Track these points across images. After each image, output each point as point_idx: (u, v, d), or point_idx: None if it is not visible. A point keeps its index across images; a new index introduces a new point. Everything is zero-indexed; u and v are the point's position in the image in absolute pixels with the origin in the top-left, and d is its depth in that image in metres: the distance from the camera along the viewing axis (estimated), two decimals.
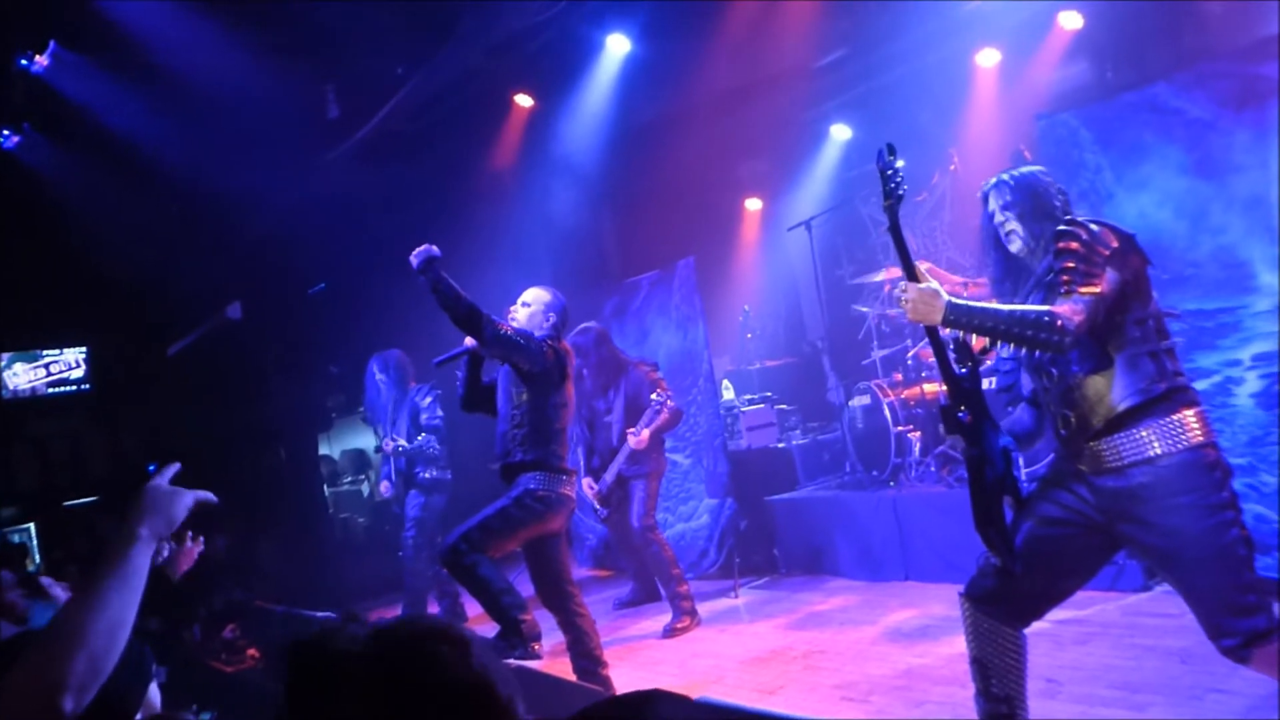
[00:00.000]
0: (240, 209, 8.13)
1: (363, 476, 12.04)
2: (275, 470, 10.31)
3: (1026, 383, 2.88)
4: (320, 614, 4.58)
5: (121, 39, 6.35)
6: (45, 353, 10.29)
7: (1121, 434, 2.52)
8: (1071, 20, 6.47)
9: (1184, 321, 4.42)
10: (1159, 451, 2.47)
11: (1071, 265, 2.51)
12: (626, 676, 4.72)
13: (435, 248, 4.09)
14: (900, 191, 2.67)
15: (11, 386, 10.10)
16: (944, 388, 2.73)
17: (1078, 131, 4.97)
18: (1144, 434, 2.50)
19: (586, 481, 5.96)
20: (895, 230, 2.68)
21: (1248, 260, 4.37)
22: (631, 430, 5.78)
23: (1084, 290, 2.48)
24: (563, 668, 4.36)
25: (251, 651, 5.43)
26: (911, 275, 2.65)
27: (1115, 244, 2.53)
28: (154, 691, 1.67)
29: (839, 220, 8.24)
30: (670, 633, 5.58)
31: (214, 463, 8.82)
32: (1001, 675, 2.74)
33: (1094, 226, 2.56)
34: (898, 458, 6.18)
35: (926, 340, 2.88)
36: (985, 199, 2.80)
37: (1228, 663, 2.46)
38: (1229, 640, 2.41)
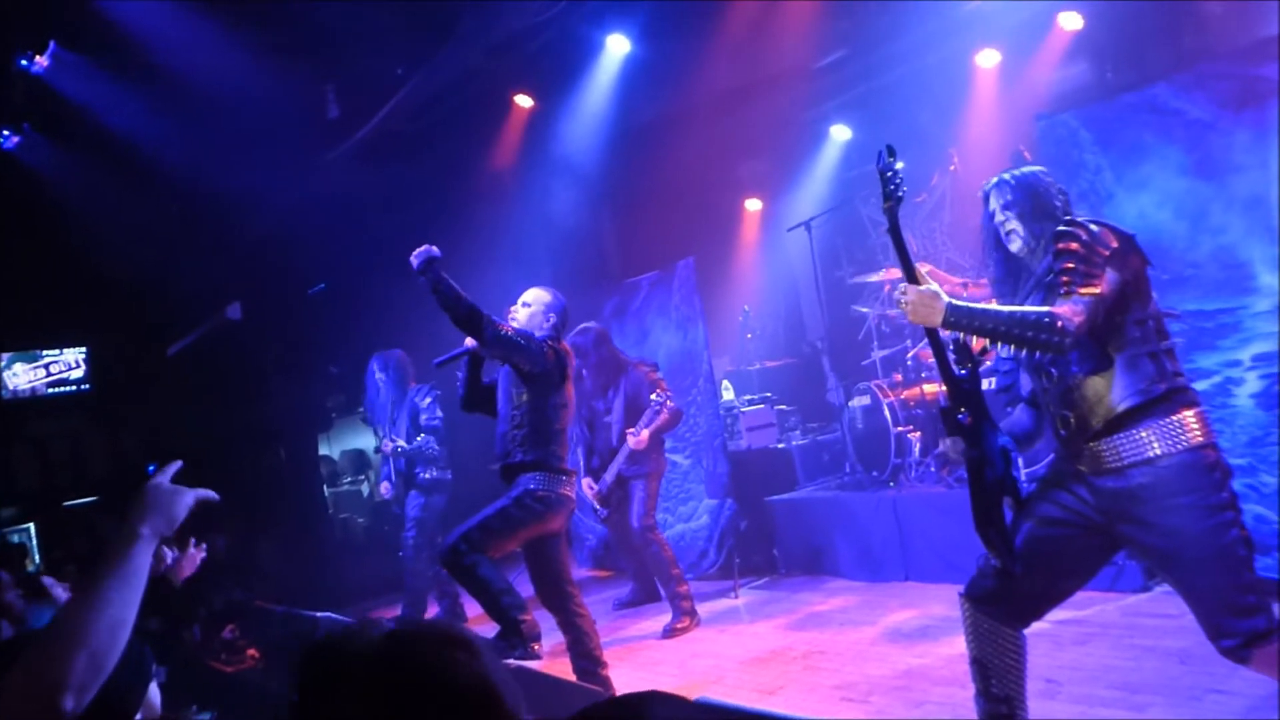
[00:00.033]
0: (240, 209, 8.13)
1: (362, 477, 12.05)
2: (275, 470, 10.31)
3: (1025, 383, 2.88)
4: (320, 614, 4.58)
5: (121, 39, 6.35)
6: (45, 353, 10.29)
7: (1121, 434, 2.52)
8: (1071, 21, 6.47)
9: (1184, 322, 4.42)
10: (1159, 452, 2.48)
11: (1071, 266, 2.51)
12: (626, 677, 4.72)
13: (435, 248, 4.09)
14: (900, 193, 2.67)
15: (11, 387, 10.10)
16: (944, 389, 2.73)
17: (1078, 132, 4.98)
18: (1144, 434, 2.50)
19: (586, 482, 5.96)
20: (895, 232, 2.68)
21: (1247, 261, 4.38)
22: (631, 430, 5.78)
23: (1084, 291, 2.48)
24: (562, 668, 4.36)
25: (251, 651, 5.42)
26: (911, 277, 2.65)
27: (1115, 244, 2.53)
28: (154, 691, 1.67)
29: (839, 221, 8.24)
30: (670, 633, 5.58)
31: (214, 463, 8.81)
32: (1001, 675, 2.74)
33: (1094, 227, 2.56)
34: (897, 458, 6.18)
35: (926, 341, 2.88)
36: (986, 198, 2.80)
37: (1227, 663, 2.47)
38: (1229, 641, 2.41)
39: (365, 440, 11.65)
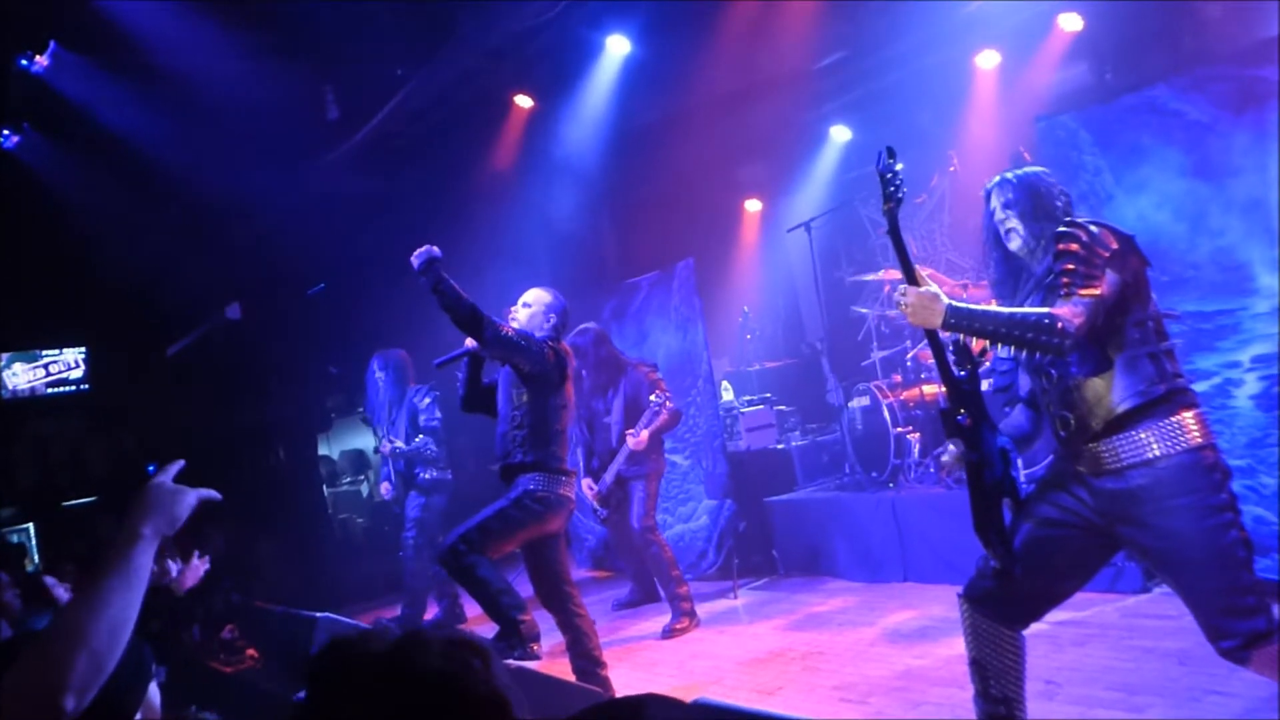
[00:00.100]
0: (240, 209, 8.12)
1: (362, 477, 12.05)
2: (274, 470, 10.31)
3: (1024, 383, 2.88)
4: (320, 614, 4.58)
5: (121, 39, 6.34)
6: (44, 353, 10.27)
7: (1120, 436, 2.52)
8: (1071, 22, 6.47)
9: (1183, 323, 4.42)
10: (1158, 453, 2.48)
11: (1071, 267, 2.51)
12: (625, 677, 4.72)
13: (436, 249, 4.09)
14: (900, 194, 2.68)
15: (11, 386, 10.09)
16: (943, 390, 2.73)
17: (1077, 133, 4.98)
18: (1143, 436, 2.50)
19: (586, 482, 5.96)
20: (895, 233, 2.68)
21: (1247, 262, 4.38)
22: (631, 431, 5.79)
23: (1084, 292, 2.48)
24: (562, 668, 4.36)
25: (250, 652, 5.43)
26: (911, 278, 2.65)
27: (1115, 245, 2.54)
28: (154, 692, 1.67)
29: (838, 222, 8.24)
30: (669, 633, 5.58)
31: (213, 463, 8.80)
32: (1000, 676, 2.74)
33: (1093, 228, 2.56)
34: (897, 459, 6.18)
35: (926, 342, 2.88)
36: (987, 197, 2.80)
37: (1227, 664, 2.47)
38: (1228, 642, 2.41)
39: (365, 440, 11.65)
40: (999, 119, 7.03)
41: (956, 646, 3.19)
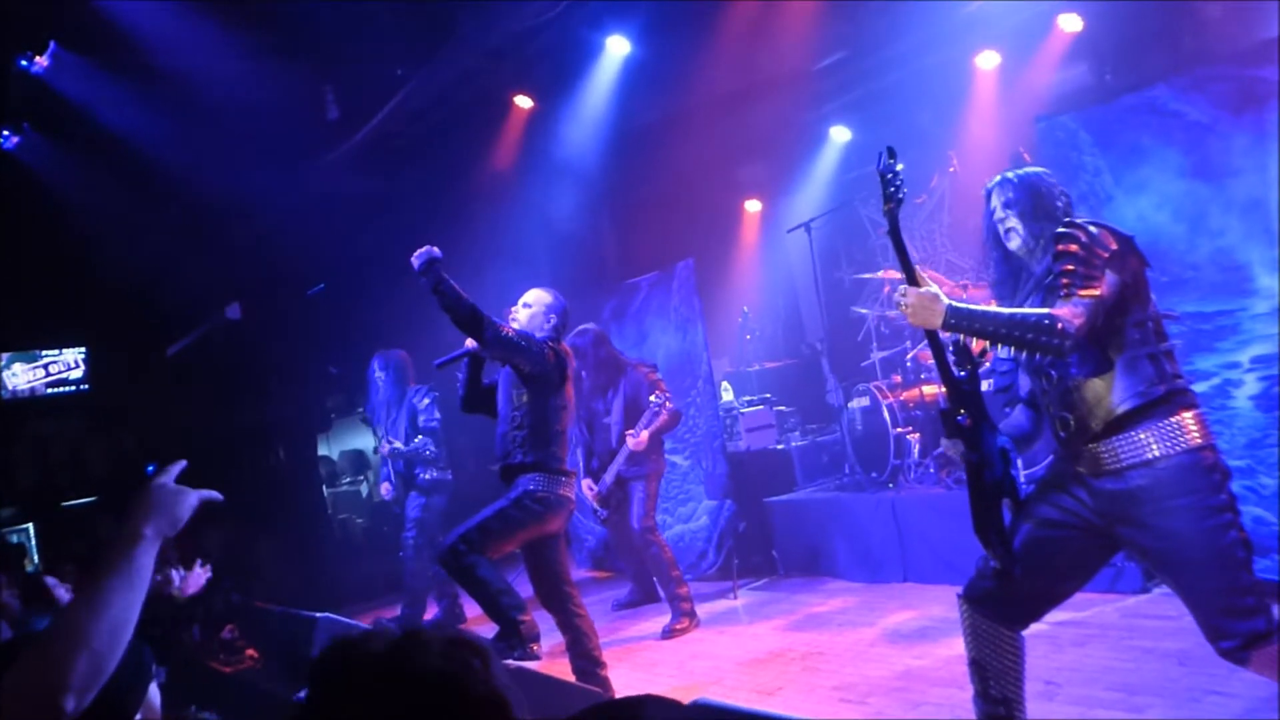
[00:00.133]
0: (240, 209, 8.12)
1: (361, 477, 12.05)
2: (274, 471, 10.31)
3: (1024, 384, 2.88)
4: (319, 615, 4.58)
5: (121, 39, 6.34)
6: (44, 353, 10.27)
7: (1120, 436, 2.52)
8: (1071, 23, 6.47)
9: (1183, 324, 4.43)
10: (1157, 454, 2.48)
11: (1071, 268, 2.51)
12: (625, 677, 4.72)
13: (436, 249, 4.09)
14: (900, 195, 2.67)
15: (11, 387, 10.08)
16: (943, 390, 2.73)
17: (1077, 134, 4.98)
18: (1142, 436, 2.50)
19: (586, 483, 5.96)
20: (895, 234, 2.68)
21: (1246, 263, 4.38)
22: (631, 432, 5.79)
23: (1084, 293, 2.48)
24: (561, 668, 4.36)
25: (250, 652, 5.42)
26: (912, 279, 2.65)
27: (1114, 246, 2.54)
28: (154, 692, 1.67)
29: (838, 222, 8.24)
30: (669, 634, 5.58)
31: (213, 463, 8.79)
32: (1000, 677, 2.74)
33: (1093, 229, 2.56)
34: (897, 459, 6.19)
35: (925, 343, 2.88)
36: (988, 196, 2.80)
37: (1227, 665, 2.47)
38: (1228, 642, 2.41)
39: (364, 441, 11.64)
40: (999, 119, 7.03)
41: (956, 647, 3.19)
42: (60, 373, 10.33)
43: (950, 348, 2.69)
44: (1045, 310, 2.51)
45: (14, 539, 9.71)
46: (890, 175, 2.66)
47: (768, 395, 8.19)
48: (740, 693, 4.42)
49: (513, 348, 4.19)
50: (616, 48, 7.25)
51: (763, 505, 6.81)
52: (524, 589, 4.38)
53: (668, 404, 5.78)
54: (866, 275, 7.12)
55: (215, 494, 1.66)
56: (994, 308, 2.65)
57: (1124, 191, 4.78)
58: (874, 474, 6.36)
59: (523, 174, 8.47)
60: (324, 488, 11.19)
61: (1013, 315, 2.54)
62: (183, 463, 1.67)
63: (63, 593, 3.35)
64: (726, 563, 6.59)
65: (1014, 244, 2.72)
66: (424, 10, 6.70)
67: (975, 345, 2.69)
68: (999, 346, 2.60)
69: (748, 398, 8.19)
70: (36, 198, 7.67)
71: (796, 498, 6.89)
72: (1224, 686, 3.32)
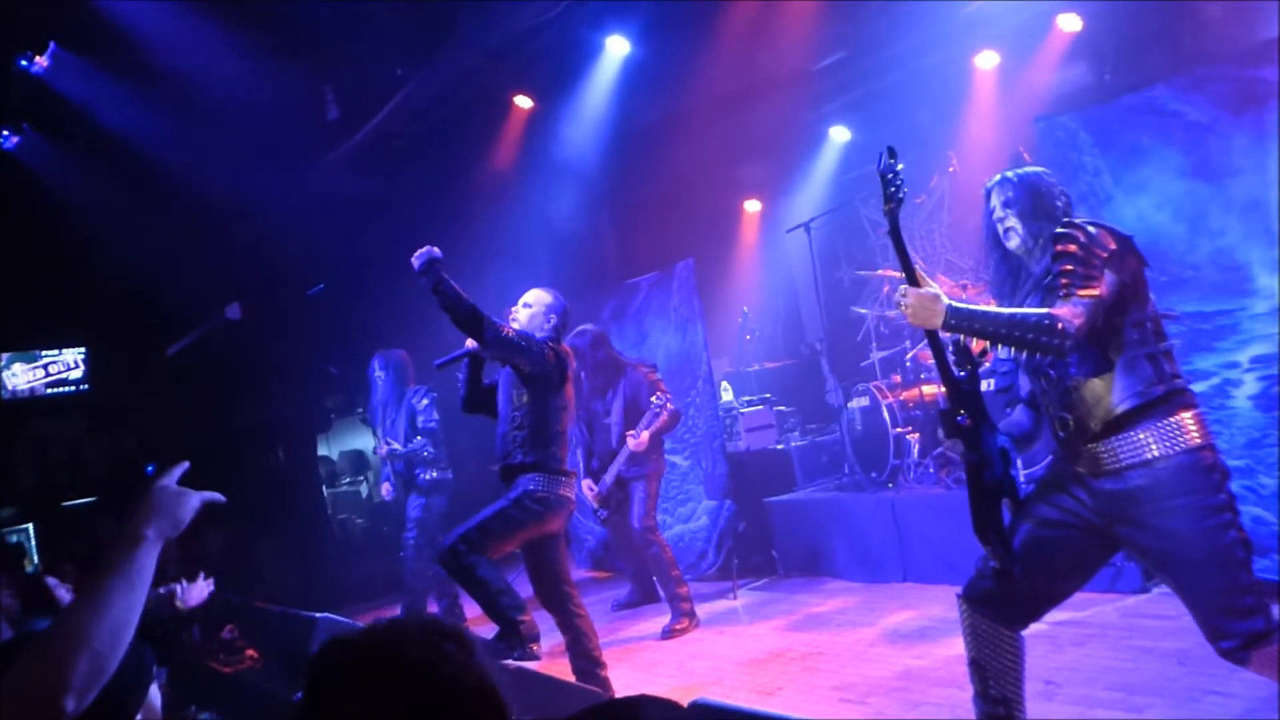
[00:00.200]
0: (240, 209, 8.12)
1: (361, 477, 12.05)
2: (274, 471, 10.31)
3: (1024, 384, 2.88)
4: (319, 615, 4.57)
5: (121, 39, 6.34)
6: (44, 353, 10.27)
7: (1119, 436, 2.52)
8: (1070, 23, 6.47)
9: (1182, 324, 4.43)
10: (1157, 454, 2.48)
11: (1070, 268, 2.51)
12: (625, 677, 4.72)
13: (436, 249, 4.09)
14: (900, 195, 2.67)
15: (10, 387, 10.09)
16: (943, 390, 2.73)
17: (1076, 134, 4.99)
18: (1142, 436, 2.50)
19: (586, 483, 5.96)
20: (895, 234, 2.68)
21: (1246, 263, 4.38)
22: (631, 432, 5.79)
23: (1083, 293, 2.48)
24: (561, 668, 4.36)
25: (250, 652, 5.41)
26: (912, 279, 2.65)
27: (1113, 246, 2.54)
28: (154, 693, 1.67)
29: (838, 222, 8.24)
30: (669, 634, 5.58)
31: (213, 463, 8.78)
32: (999, 677, 2.74)
33: (1092, 229, 2.56)
34: (896, 459, 6.19)
35: (925, 342, 2.88)
36: (988, 196, 2.80)
37: (1226, 665, 2.47)
38: (1227, 642, 2.41)
39: (364, 441, 11.65)
40: (998, 119, 7.04)
41: (956, 647, 3.20)
42: (60, 373, 10.33)
43: (950, 348, 2.70)
44: (1045, 310, 2.51)
45: (13, 539, 9.72)
46: (890, 175, 2.66)
47: (767, 395, 8.19)
48: (740, 693, 4.43)
49: (513, 348, 4.19)
50: (616, 48, 7.25)
51: (762, 505, 6.82)
52: (524, 589, 4.38)
53: (668, 405, 5.78)
54: (866, 273, 7.12)
55: (217, 496, 1.66)
56: (994, 308, 2.65)
57: (1124, 191, 4.78)
58: (873, 474, 6.36)
59: (523, 174, 8.47)
60: (324, 488, 11.19)
61: (1012, 315, 2.54)
62: (185, 464, 1.67)
63: (63, 593, 3.35)
64: (726, 563, 6.59)
65: (1013, 244, 2.72)
66: (424, 10, 6.70)
67: (975, 345, 2.70)
68: (999, 347, 2.60)
69: (747, 398, 8.19)
70: (36, 198, 7.67)
71: (796, 498, 6.90)
72: (1223, 686, 3.32)
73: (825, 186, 8.58)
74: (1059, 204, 2.70)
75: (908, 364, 6.49)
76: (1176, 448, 2.47)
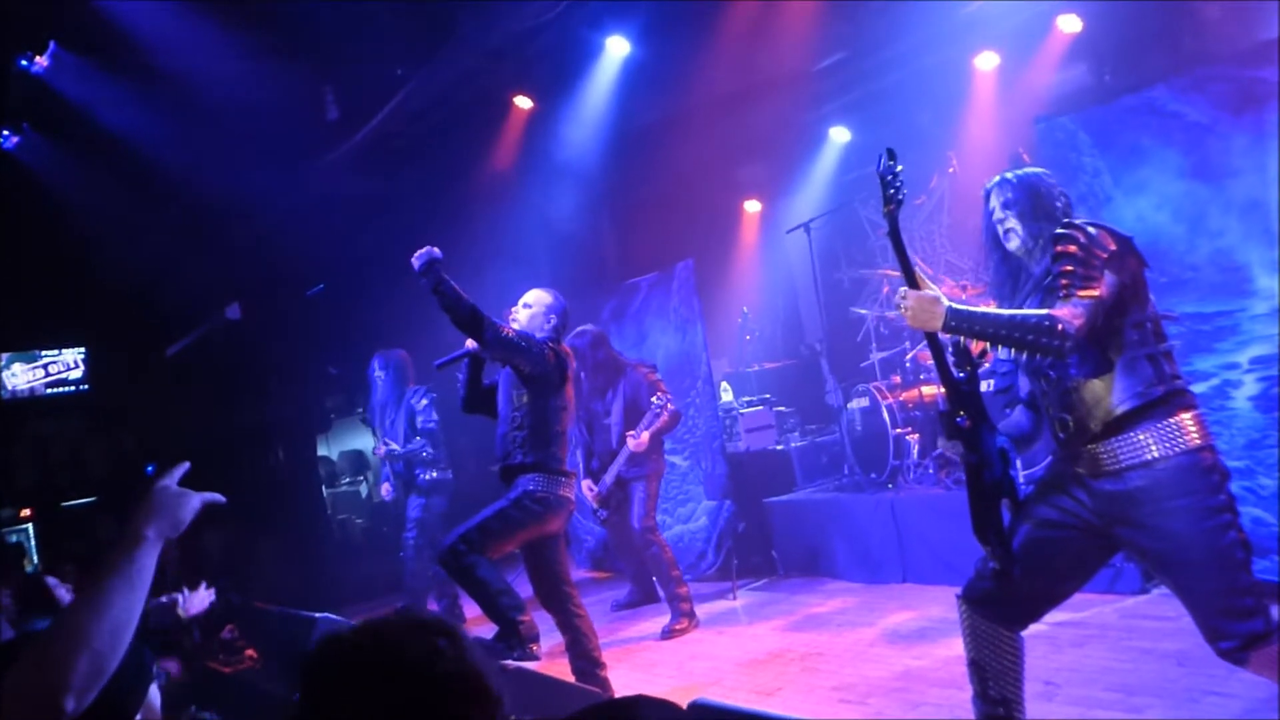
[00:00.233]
0: (239, 210, 8.12)
1: (361, 478, 12.05)
2: (273, 471, 10.31)
3: (1024, 385, 2.88)
4: (318, 615, 4.57)
5: (121, 39, 6.34)
6: (44, 353, 10.27)
7: (1119, 437, 2.52)
8: (1070, 24, 6.48)
9: (1182, 324, 4.43)
10: (1156, 455, 2.48)
11: (1070, 269, 2.51)
12: (624, 678, 4.72)
13: (437, 250, 4.09)
14: (900, 197, 2.67)
15: (10, 387, 10.09)
16: (943, 391, 2.73)
17: (1076, 134, 4.99)
18: (1141, 437, 2.50)
19: (586, 484, 5.96)
20: (895, 235, 2.68)
21: (1246, 264, 4.39)
22: (631, 433, 5.79)
23: (1083, 294, 2.48)
24: (561, 669, 4.36)
25: (249, 652, 5.42)
26: (912, 281, 2.65)
27: (1113, 247, 2.54)
28: (154, 693, 1.67)
29: (838, 223, 8.25)
30: (668, 634, 5.59)
31: (213, 463, 8.78)
32: (999, 677, 2.74)
33: (1091, 229, 2.56)
34: (896, 460, 6.19)
35: (925, 343, 2.88)
36: (987, 197, 2.80)
37: (1225, 665, 2.47)
38: (1226, 643, 2.42)
39: (364, 441, 11.65)
40: (998, 120, 7.04)
41: (955, 647, 3.20)
42: (60, 373, 10.33)
43: (950, 349, 2.70)
44: (1045, 311, 2.51)
45: (13, 539, 9.72)
46: (890, 177, 2.66)
47: (767, 396, 8.19)
48: (739, 693, 4.43)
49: (513, 348, 4.19)
50: (616, 48, 7.25)
51: (762, 506, 6.82)
52: (524, 589, 4.38)
53: (669, 405, 5.78)
54: (865, 272, 7.12)
55: (218, 497, 1.67)
56: (994, 309, 2.65)
57: (1123, 192, 4.78)
58: (873, 474, 6.36)
59: (523, 174, 8.47)
60: (323, 488, 11.19)
61: (1012, 317, 2.54)
62: (185, 465, 1.68)
63: (63, 593, 3.35)
64: (726, 563, 6.59)
65: (1013, 245, 2.72)
66: (424, 10, 6.70)
67: (975, 346, 2.70)
68: (999, 348, 2.60)
69: (747, 398, 8.19)
70: (36, 198, 7.67)
71: (796, 498, 6.90)
72: (1223, 687, 3.33)
73: (825, 187, 8.59)
74: (1058, 205, 2.70)
75: (907, 365, 6.50)
76: (1176, 449, 2.47)
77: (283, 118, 7.29)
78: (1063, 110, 5.37)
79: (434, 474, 6.55)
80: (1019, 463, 4.42)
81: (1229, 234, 4.43)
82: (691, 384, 7.08)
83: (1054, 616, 2.89)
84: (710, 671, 4.87)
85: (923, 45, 6.91)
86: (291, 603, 5.76)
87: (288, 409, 10.17)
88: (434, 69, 7.27)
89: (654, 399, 5.78)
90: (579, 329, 6.02)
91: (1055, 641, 4.12)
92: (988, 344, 2.63)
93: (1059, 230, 2.59)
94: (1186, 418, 2.50)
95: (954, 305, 2.59)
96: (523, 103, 7.89)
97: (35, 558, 9.68)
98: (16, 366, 10.12)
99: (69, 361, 10.39)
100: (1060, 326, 2.45)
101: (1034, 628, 2.81)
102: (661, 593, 5.95)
